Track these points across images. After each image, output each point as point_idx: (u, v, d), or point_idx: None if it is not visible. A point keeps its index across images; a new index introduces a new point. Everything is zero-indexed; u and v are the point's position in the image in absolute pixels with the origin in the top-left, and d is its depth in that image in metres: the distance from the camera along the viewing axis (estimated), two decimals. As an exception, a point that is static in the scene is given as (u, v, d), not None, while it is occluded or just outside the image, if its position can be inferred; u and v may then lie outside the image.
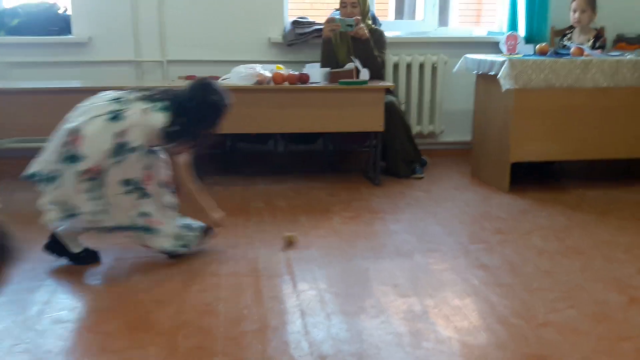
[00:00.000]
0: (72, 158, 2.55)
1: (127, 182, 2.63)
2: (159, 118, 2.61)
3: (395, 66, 4.79)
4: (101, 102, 2.66)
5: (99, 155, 2.55)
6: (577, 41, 4.59)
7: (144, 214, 2.69)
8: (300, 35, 4.63)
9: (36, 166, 2.62)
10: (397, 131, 4.22)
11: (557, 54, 4.14)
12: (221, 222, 2.94)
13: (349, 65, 4.07)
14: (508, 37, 4.17)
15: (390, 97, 4.25)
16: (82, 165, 2.54)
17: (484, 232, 3.24)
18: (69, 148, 2.56)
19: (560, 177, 4.48)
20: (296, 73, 3.95)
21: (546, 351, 2.06)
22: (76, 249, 2.77)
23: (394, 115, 4.19)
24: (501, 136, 3.97)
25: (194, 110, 2.66)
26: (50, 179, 2.58)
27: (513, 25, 4.86)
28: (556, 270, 2.74)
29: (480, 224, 3.39)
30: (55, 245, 2.77)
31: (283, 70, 4.04)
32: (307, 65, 4.18)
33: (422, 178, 4.28)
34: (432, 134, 4.96)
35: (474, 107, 4.40)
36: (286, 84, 3.88)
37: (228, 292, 2.50)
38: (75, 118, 2.63)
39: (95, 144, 2.55)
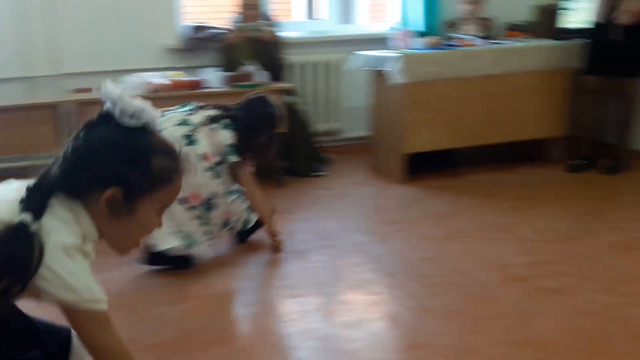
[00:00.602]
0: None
1: (230, 192, 2.86)
2: (225, 136, 2.76)
3: (302, 66, 4.85)
4: (171, 126, 2.71)
5: (199, 182, 2.68)
6: (468, 32, 4.78)
7: None
8: (200, 41, 4.62)
9: None
10: (297, 131, 4.28)
11: (448, 45, 4.30)
12: (278, 235, 3.00)
13: (246, 68, 4.11)
14: (400, 32, 4.30)
15: (291, 98, 4.31)
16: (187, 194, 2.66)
17: (378, 225, 3.35)
18: None
19: (459, 164, 4.66)
20: (191, 79, 3.97)
21: (426, 339, 2.14)
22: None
23: (294, 116, 4.25)
24: (395, 129, 4.09)
25: (256, 125, 2.85)
26: None
27: (408, 19, 5.00)
28: (441, 256, 2.87)
29: (374, 217, 3.50)
30: (155, 258, 2.74)
31: (181, 76, 4.04)
32: (204, 69, 4.18)
33: (324, 175, 4.36)
34: (334, 131, 5.05)
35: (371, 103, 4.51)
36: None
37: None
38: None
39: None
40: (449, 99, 4.07)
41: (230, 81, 4.02)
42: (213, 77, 4.05)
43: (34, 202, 1.17)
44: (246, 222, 3.03)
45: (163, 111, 2.69)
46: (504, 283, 2.55)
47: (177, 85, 3.89)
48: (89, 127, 1.25)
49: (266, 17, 4.47)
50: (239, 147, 2.78)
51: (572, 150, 4.30)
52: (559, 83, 4.29)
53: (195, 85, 3.92)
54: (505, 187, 3.94)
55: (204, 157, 2.71)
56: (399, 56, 3.90)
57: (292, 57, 4.71)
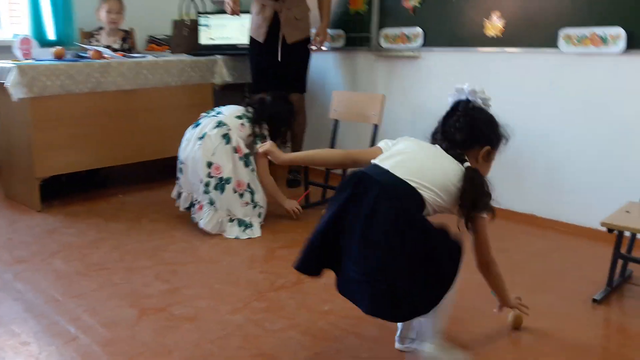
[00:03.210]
0: (222, 182, 3.27)
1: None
2: (249, 127, 3.41)
3: None
4: (210, 130, 3.31)
5: (238, 171, 3.31)
6: (105, 43, 4.50)
7: None
8: None
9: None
10: None
11: (79, 57, 3.96)
12: (292, 210, 3.58)
13: None
14: (22, 41, 3.81)
15: None
16: (233, 185, 3.28)
17: (3, 265, 2.87)
18: (215, 176, 3.26)
19: (109, 184, 4.36)
20: None
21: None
22: None
23: None
24: (25, 150, 3.61)
25: (279, 117, 3.56)
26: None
27: (38, 28, 4.50)
28: (74, 293, 2.55)
29: (1, 255, 3.00)
30: None
31: None
32: None
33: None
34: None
35: None
36: None
37: None
38: (199, 151, 3.28)
39: (232, 166, 3.29)
40: (84, 115, 3.74)
41: None
42: None
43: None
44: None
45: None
46: (140, 317, 2.35)
47: None
48: (468, 110, 2.02)
49: None
50: (262, 136, 3.42)
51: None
52: (199, 99, 4.29)
53: None
54: (154, 207, 3.78)
55: (236, 149, 3.30)
56: (12, 67, 3.43)
57: None
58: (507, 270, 2.16)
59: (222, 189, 3.25)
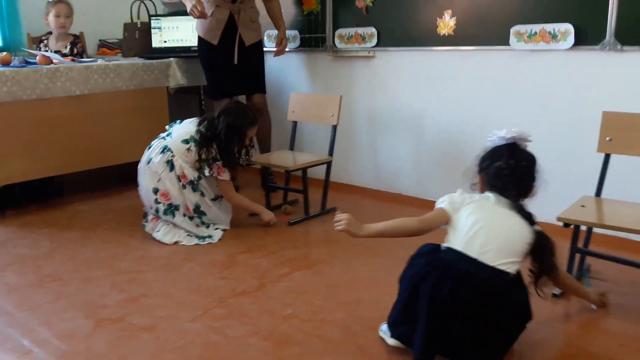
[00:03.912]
0: (171, 208, 3.22)
1: (214, 199, 3.34)
2: (196, 152, 3.21)
3: None
4: (155, 156, 3.22)
5: (185, 197, 3.22)
6: (54, 47, 4.39)
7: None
8: None
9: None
10: None
11: (27, 62, 3.83)
12: (271, 221, 3.44)
13: None
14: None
15: None
16: (182, 210, 3.23)
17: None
18: (162, 202, 3.21)
19: (60, 193, 4.25)
20: None
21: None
22: None
23: None
24: (-28, 160, 3.49)
25: (220, 137, 3.21)
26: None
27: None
28: (28, 306, 2.46)
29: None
30: None
31: None
32: None
33: None
34: None
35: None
36: None
37: None
38: (146, 176, 3.24)
39: (177, 193, 3.20)
40: (34, 122, 3.63)
41: None
42: None
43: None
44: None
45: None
46: (96, 329, 2.28)
47: None
48: (515, 151, 2.12)
49: None
50: (208, 160, 3.21)
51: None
52: (153, 103, 4.20)
53: None
54: (109, 216, 3.69)
55: (180, 177, 3.20)
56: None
57: None
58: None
59: (173, 215, 3.22)
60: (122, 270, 2.84)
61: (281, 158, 3.76)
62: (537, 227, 2.05)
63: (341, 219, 2.14)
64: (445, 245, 2.07)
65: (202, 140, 3.21)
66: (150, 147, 3.31)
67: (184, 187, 3.20)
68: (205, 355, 2.08)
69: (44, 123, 3.68)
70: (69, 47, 4.40)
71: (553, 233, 2.11)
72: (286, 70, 4.55)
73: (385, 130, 4.01)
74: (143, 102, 4.14)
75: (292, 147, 3.94)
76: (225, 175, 3.26)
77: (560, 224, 2.43)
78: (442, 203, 2.13)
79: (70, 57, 4.20)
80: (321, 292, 2.59)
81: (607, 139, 2.66)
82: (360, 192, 4.14)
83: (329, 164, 3.69)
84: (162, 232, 3.23)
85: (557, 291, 2.52)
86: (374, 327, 2.23)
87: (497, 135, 2.15)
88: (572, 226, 2.47)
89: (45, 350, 2.12)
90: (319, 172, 3.80)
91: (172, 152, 3.20)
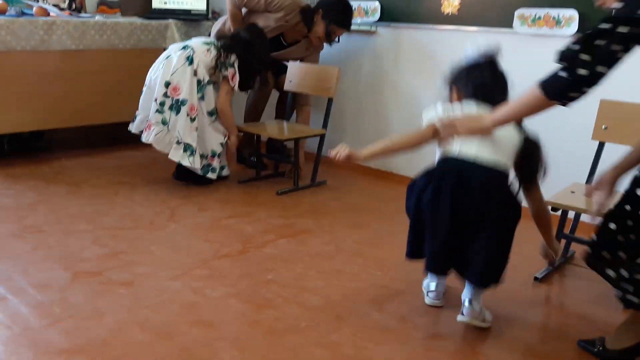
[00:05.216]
0: (177, 104, 3.24)
1: (210, 113, 3.36)
2: (215, 55, 3.33)
3: None
4: (175, 52, 3.31)
5: (193, 96, 3.26)
6: (53, 1, 4.31)
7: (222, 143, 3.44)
8: None
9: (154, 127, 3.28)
10: None
11: (23, 13, 3.77)
12: (233, 146, 3.50)
13: None
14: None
15: None
16: (187, 108, 3.24)
17: None
18: (171, 96, 3.25)
19: (49, 148, 4.20)
20: None
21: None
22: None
23: None
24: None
25: (242, 47, 3.38)
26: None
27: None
28: (6, 255, 2.44)
29: None
30: (183, 174, 3.44)
31: None
32: None
33: None
34: None
35: None
36: None
37: None
38: (161, 70, 3.28)
39: (188, 88, 3.24)
40: (26, 74, 3.60)
41: None
42: None
43: None
44: (222, 167, 3.49)
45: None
46: (74, 281, 2.26)
47: None
48: (496, 67, 2.15)
49: None
50: (225, 65, 3.33)
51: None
52: (148, 63, 4.10)
53: None
54: (96, 173, 3.65)
55: (195, 73, 3.25)
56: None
57: None
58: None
59: (178, 111, 3.23)
60: (105, 226, 2.81)
61: (275, 128, 3.72)
62: (526, 132, 2.05)
63: (338, 149, 2.10)
64: (438, 157, 2.07)
65: (223, 46, 3.35)
66: (165, 50, 3.43)
67: (199, 83, 3.27)
68: (183, 312, 2.06)
69: (36, 76, 3.62)
70: (67, 1, 4.32)
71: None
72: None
73: (381, 108, 3.97)
74: (138, 62, 4.05)
75: (287, 118, 3.89)
76: (233, 84, 3.36)
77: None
78: (429, 119, 2.10)
79: (68, 11, 4.13)
80: (304, 260, 2.57)
81: (603, 127, 2.63)
82: (352, 169, 4.11)
83: (322, 137, 3.65)
84: (155, 135, 3.25)
85: (539, 274, 2.51)
86: (354, 297, 2.21)
87: (472, 51, 2.16)
88: (560, 211, 2.45)
89: (20, 298, 2.10)
90: (312, 147, 3.76)
91: (193, 50, 3.29)
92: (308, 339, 1.94)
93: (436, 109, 2.11)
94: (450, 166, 1.98)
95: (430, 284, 2.23)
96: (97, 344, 1.85)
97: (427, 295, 2.23)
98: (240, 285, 2.30)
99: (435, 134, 2.05)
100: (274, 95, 4.20)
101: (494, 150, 1.96)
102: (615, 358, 1.89)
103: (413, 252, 2.08)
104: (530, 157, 2.03)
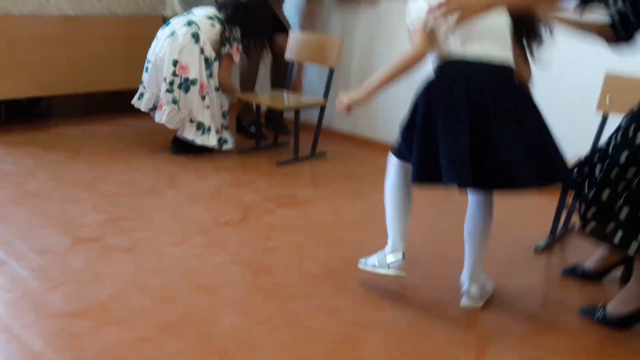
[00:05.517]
0: (187, 82, 3.21)
1: (217, 88, 3.35)
2: (219, 30, 3.29)
3: None
4: (179, 29, 3.24)
5: (203, 75, 3.24)
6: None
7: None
8: None
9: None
10: None
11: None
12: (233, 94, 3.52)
13: None
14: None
15: None
16: (197, 87, 3.23)
17: None
18: (180, 75, 3.21)
19: (47, 115, 4.16)
20: None
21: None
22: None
23: None
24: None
25: (253, 22, 3.39)
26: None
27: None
28: (5, 220, 2.43)
29: None
30: (182, 146, 3.39)
31: None
32: None
33: None
34: None
35: None
36: None
37: None
38: (167, 48, 3.22)
39: (197, 67, 3.21)
40: (25, 39, 3.54)
41: None
42: None
43: None
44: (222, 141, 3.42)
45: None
46: (73, 246, 2.25)
47: None
48: None
49: None
50: (229, 38, 3.31)
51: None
52: (147, 31, 4.05)
53: None
54: (95, 140, 3.63)
55: (202, 51, 3.23)
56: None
57: None
58: (452, 217, 2.14)
59: (187, 89, 3.22)
60: (104, 193, 2.80)
61: (275, 97, 3.69)
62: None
63: (338, 102, 2.06)
64: (438, 61, 1.93)
65: (227, 21, 3.32)
66: (168, 24, 3.35)
67: (206, 60, 3.26)
68: (183, 278, 2.06)
69: (34, 41, 3.57)
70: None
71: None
72: (287, 11, 4.44)
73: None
74: (137, 29, 4.02)
75: (287, 87, 3.86)
76: (237, 58, 3.38)
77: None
78: (417, 23, 1.91)
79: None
80: (304, 229, 2.56)
81: (607, 100, 2.61)
82: (352, 141, 4.09)
83: (322, 108, 3.62)
84: (167, 115, 3.25)
85: (540, 245, 2.51)
86: (353, 265, 2.21)
87: None
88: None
89: (20, 262, 2.09)
90: (312, 119, 3.74)
91: (198, 26, 3.25)
92: (309, 305, 1.95)
93: (418, 11, 1.90)
94: (456, 71, 1.85)
95: (395, 253, 2.02)
96: (98, 308, 1.85)
97: (389, 266, 2.00)
98: (240, 252, 2.30)
99: (431, 36, 1.88)
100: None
101: (499, 45, 1.84)
102: (616, 324, 1.90)
103: (424, 173, 1.85)
104: (524, 22, 1.93)
